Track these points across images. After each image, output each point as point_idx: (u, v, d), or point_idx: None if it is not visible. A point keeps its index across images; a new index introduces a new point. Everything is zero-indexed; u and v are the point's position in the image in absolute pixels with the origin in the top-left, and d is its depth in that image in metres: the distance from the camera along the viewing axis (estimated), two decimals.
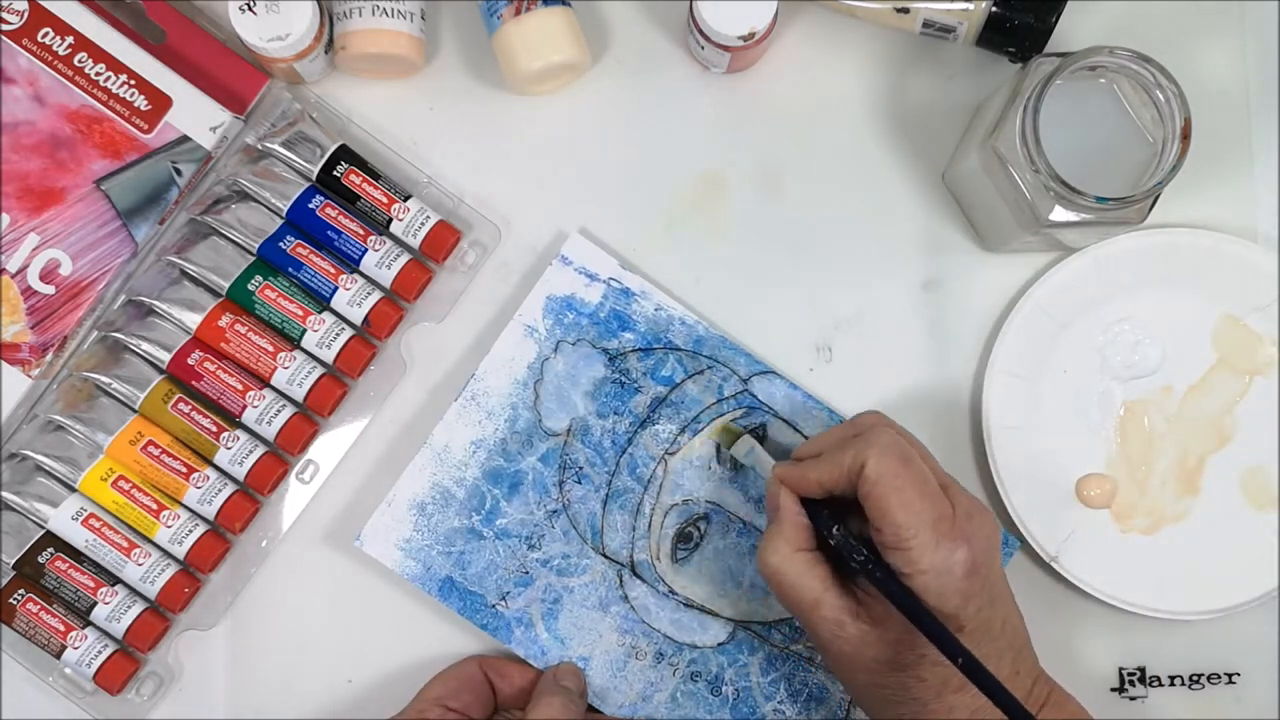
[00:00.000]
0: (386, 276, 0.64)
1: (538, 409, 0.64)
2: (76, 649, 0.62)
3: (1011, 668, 0.55)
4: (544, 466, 0.64)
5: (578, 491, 0.64)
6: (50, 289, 0.64)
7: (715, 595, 0.64)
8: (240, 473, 0.64)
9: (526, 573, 0.64)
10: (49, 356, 0.64)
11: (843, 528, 0.55)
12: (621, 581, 0.64)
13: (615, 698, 0.63)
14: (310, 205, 0.64)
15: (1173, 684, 0.66)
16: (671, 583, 0.64)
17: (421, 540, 0.64)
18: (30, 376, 0.64)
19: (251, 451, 0.64)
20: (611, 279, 0.65)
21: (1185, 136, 0.57)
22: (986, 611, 0.54)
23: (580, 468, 0.64)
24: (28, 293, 0.64)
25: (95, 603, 0.62)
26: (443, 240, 0.65)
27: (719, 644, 0.64)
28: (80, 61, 0.63)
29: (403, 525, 0.64)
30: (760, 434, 0.64)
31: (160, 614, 0.64)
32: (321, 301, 0.64)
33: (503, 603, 0.64)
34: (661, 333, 0.65)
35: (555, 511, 0.64)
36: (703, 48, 0.64)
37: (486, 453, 0.64)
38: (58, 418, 0.63)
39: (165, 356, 0.63)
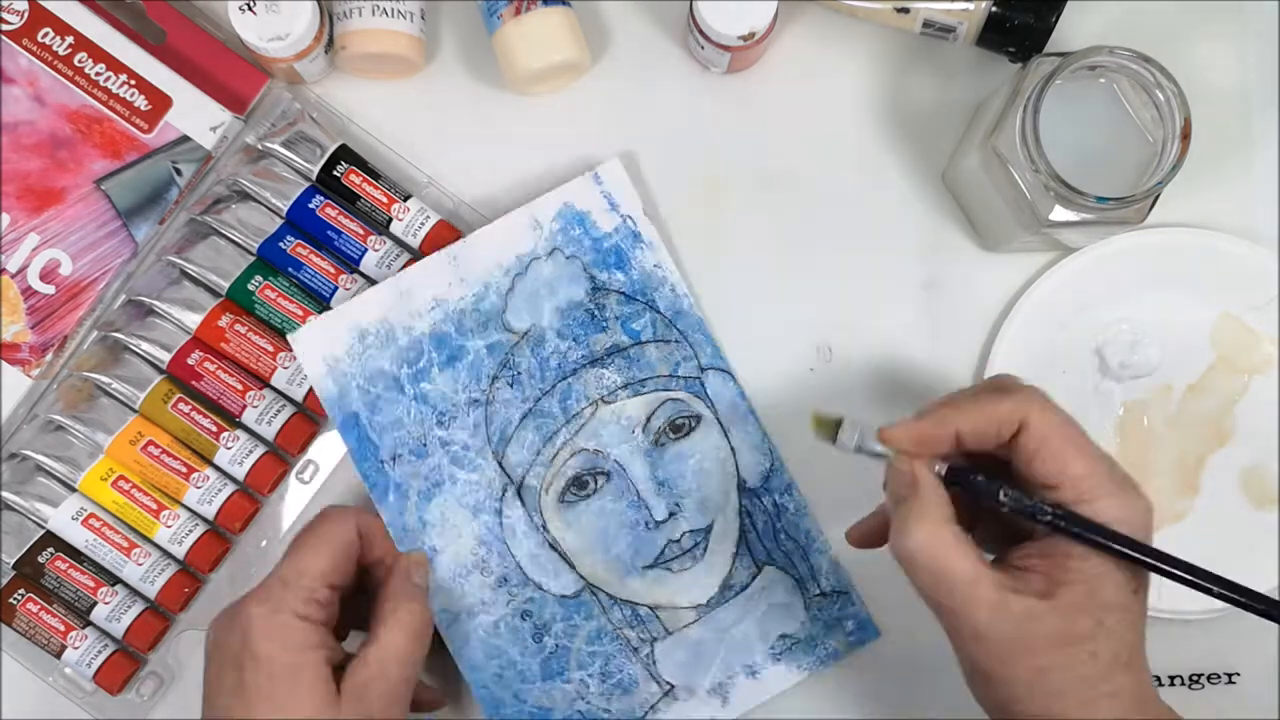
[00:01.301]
0: (387, 276, 0.64)
1: (507, 299, 0.64)
2: (76, 649, 0.62)
3: None
4: (488, 355, 0.64)
5: (505, 394, 0.64)
6: (50, 289, 0.64)
7: (581, 550, 0.64)
8: (240, 473, 0.64)
9: (424, 445, 0.63)
10: (49, 356, 0.64)
11: (1012, 489, 0.50)
12: (504, 496, 0.64)
13: (442, 598, 0.63)
14: (310, 205, 0.64)
15: (1173, 684, 0.66)
16: (548, 519, 0.64)
17: (348, 366, 0.63)
18: (30, 376, 0.64)
19: (251, 451, 0.64)
20: (629, 217, 0.65)
21: (1185, 136, 0.57)
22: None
23: (519, 373, 0.64)
24: (28, 293, 0.64)
25: (95, 602, 0.62)
26: (443, 240, 0.65)
27: (562, 595, 0.64)
28: (80, 61, 0.64)
29: (336, 342, 0.63)
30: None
31: (160, 614, 0.64)
32: (322, 301, 0.64)
33: (391, 463, 0.63)
34: (650, 289, 0.65)
35: (476, 401, 0.64)
36: (703, 48, 0.64)
37: (444, 314, 0.64)
38: (58, 418, 0.63)
39: (165, 356, 0.63)
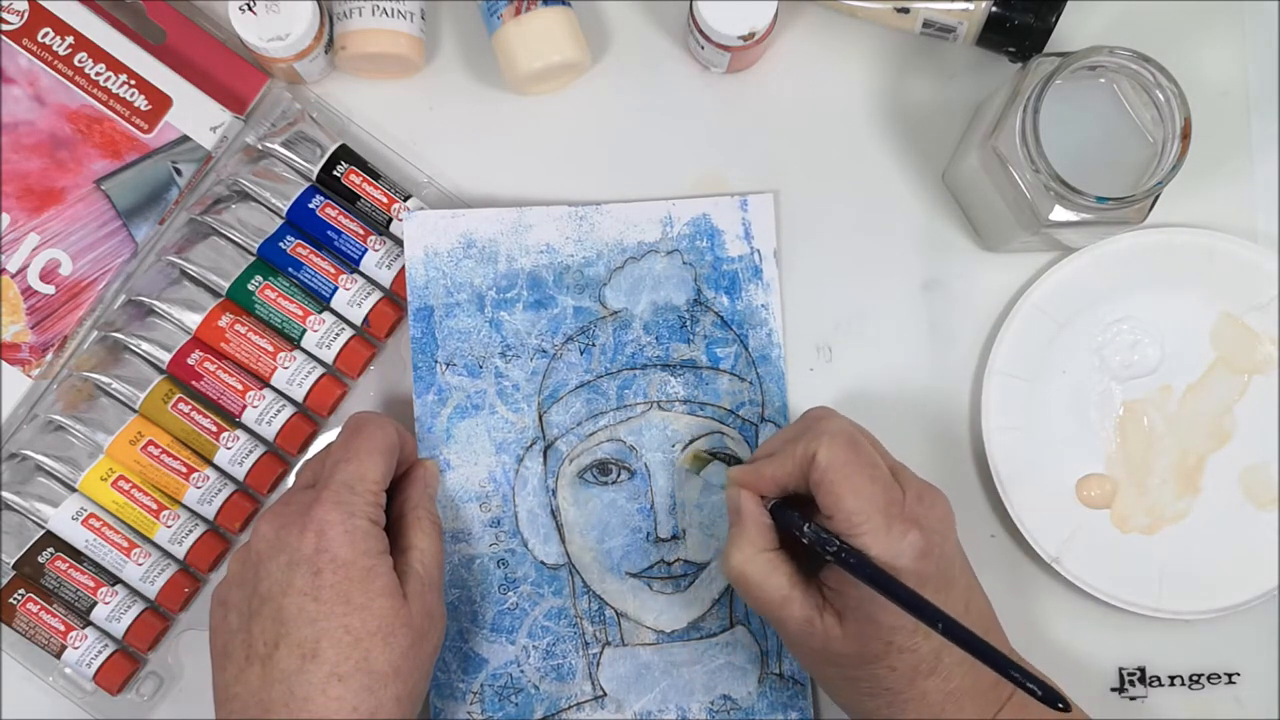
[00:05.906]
0: (386, 277, 0.64)
1: (613, 275, 0.65)
2: (76, 649, 0.62)
3: None
4: (572, 316, 0.64)
5: (572, 357, 0.64)
6: (50, 289, 0.64)
7: (576, 530, 0.64)
8: (240, 473, 0.64)
9: (480, 366, 0.64)
10: (49, 356, 0.64)
11: (812, 523, 0.55)
12: (531, 447, 0.64)
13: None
14: (310, 205, 0.64)
15: (1173, 684, 0.66)
16: (560, 487, 0.64)
17: (443, 264, 0.64)
18: (30, 376, 0.64)
19: (251, 451, 0.64)
20: (759, 251, 0.65)
21: (1185, 136, 0.57)
22: (944, 595, 0.54)
23: (593, 345, 0.64)
24: (28, 293, 0.64)
25: (95, 603, 0.62)
26: None
27: (542, 562, 0.64)
28: (80, 61, 0.64)
29: (444, 239, 0.64)
30: (728, 464, 0.63)
31: (160, 614, 0.64)
32: (321, 301, 0.64)
33: (444, 367, 0.64)
34: (748, 325, 0.65)
35: (543, 351, 0.64)
36: (703, 48, 0.64)
37: (549, 261, 0.65)
38: (58, 418, 0.63)
39: (165, 356, 0.63)
